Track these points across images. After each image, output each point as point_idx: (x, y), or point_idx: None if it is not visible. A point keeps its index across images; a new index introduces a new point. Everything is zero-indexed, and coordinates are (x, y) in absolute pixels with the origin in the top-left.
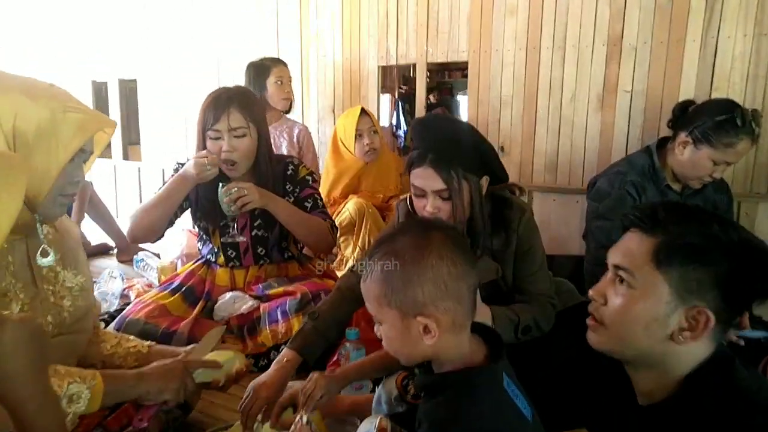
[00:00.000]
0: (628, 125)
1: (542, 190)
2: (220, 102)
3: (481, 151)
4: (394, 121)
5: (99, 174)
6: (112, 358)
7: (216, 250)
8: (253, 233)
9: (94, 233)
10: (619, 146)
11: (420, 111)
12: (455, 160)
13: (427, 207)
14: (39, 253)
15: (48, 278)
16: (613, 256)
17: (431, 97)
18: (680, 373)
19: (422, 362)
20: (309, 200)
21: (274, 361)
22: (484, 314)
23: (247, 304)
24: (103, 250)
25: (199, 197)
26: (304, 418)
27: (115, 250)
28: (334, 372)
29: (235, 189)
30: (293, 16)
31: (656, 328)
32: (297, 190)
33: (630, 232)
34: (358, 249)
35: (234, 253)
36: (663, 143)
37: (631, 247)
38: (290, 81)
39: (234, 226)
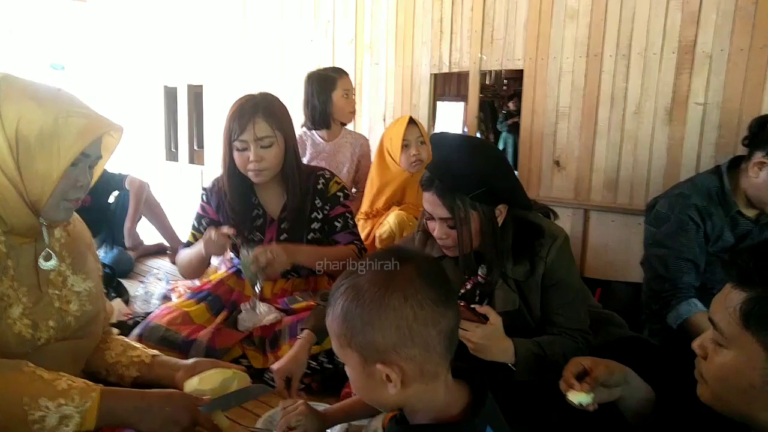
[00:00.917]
0: (700, 142)
1: (600, 209)
2: (246, 111)
3: (496, 180)
4: (467, 131)
5: (166, 176)
6: (115, 367)
7: (234, 263)
8: None
9: (149, 234)
10: (689, 164)
11: (471, 122)
12: (462, 189)
13: (436, 232)
14: (42, 256)
15: (55, 282)
16: (711, 307)
17: (511, 104)
18: None
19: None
20: (339, 219)
21: None
22: (505, 348)
23: (270, 316)
24: (158, 251)
25: (225, 215)
26: None
27: (169, 251)
28: (323, 410)
29: (263, 254)
30: (349, 25)
31: (755, 395)
32: (327, 207)
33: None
34: None
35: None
36: (736, 163)
37: (723, 300)
38: (354, 92)
39: (258, 293)
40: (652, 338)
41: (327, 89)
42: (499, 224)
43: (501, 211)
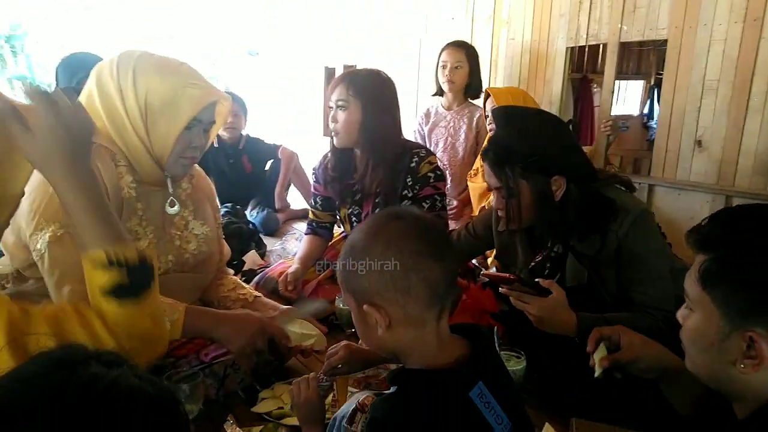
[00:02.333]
0: None
1: (747, 196)
2: (336, 79)
3: (549, 150)
4: (646, 111)
5: (323, 150)
6: (225, 300)
7: (342, 230)
8: None
9: (297, 200)
10: None
11: (606, 98)
12: (512, 160)
13: (494, 203)
14: (168, 203)
15: (178, 225)
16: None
17: None
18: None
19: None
20: (427, 201)
21: None
22: (566, 321)
23: None
24: (303, 215)
25: (327, 184)
26: (321, 377)
27: None
28: (362, 348)
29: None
30: (488, 1)
31: (715, 354)
32: (417, 187)
33: None
34: None
35: None
36: None
37: (692, 268)
38: (457, 65)
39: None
40: None
41: (438, 60)
42: (558, 197)
43: (560, 184)
